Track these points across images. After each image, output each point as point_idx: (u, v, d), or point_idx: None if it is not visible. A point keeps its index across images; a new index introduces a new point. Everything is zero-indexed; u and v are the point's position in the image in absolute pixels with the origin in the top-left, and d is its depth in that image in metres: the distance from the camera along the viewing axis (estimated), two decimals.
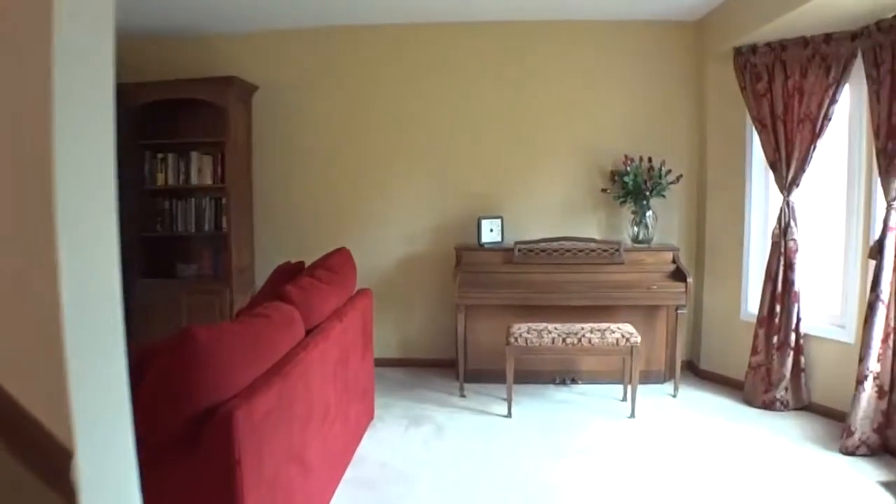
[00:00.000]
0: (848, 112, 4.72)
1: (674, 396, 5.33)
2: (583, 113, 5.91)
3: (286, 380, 2.88)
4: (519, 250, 5.57)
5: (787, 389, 4.96)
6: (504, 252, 5.66)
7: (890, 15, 4.03)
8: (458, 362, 5.48)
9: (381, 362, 5.77)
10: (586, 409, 5.11)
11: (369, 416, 4.76)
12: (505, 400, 5.04)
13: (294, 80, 6.09)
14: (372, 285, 5.58)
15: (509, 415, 4.94)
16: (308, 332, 3.51)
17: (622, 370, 5.29)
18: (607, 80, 5.88)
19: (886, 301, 4.15)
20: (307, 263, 4.34)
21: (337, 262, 4.27)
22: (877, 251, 4.20)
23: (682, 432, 4.66)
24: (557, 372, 5.52)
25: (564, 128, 5.92)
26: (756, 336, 5.10)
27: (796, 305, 4.92)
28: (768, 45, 4.91)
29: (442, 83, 5.98)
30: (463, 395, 5.39)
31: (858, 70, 4.47)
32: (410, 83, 6.01)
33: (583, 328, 4.96)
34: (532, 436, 4.61)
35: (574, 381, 5.53)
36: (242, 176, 6.00)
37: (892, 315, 4.16)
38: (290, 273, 4.19)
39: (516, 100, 5.94)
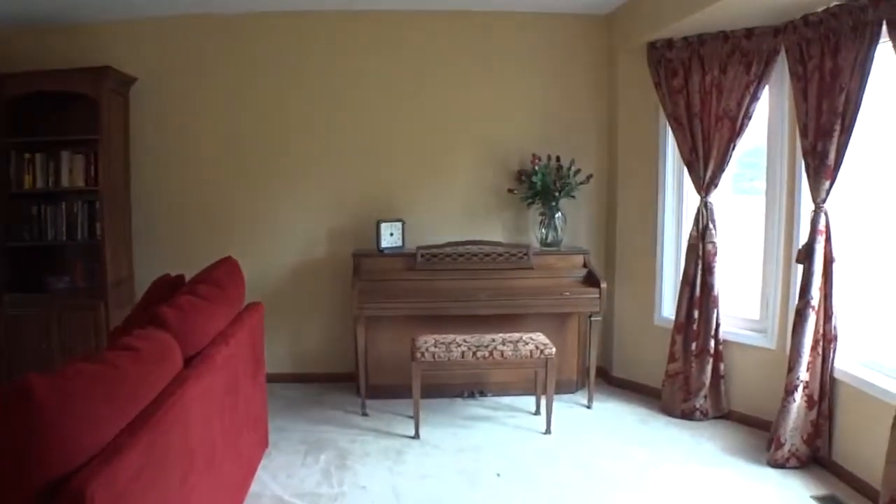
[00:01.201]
0: (768, 110, 4.45)
1: (588, 407, 4.99)
2: (488, 110, 5.46)
3: (158, 428, 2.28)
4: (422, 256, 5.08)
5: (706, 398, 4.68)
6: (406, 258, 5.15)
7: (819, 9, 3.76)
8: (359, 378, 4.93)
9: (274, 378, 5.18)
10: (499, 425, 4.69)
11: (263, 445, 4.17)
12: (411, 418, 4.53)
13: (177, 72, 5.37)
14: (264, 296, 4.88)
15: (417, 436, 4.45)
16: (188, 361, 2.90)
17: (533, 380, 4.89)
18: (514, 76, 5.45)
19: (816, 307, 3.90)
20: (193, 274, 3.69)
21: (222, 275, 3.64)
22: (805, 255, 3.95)
23: (602, 448, 4.31)
24: (466, 385, 5.07)
25: (469, 125, 5.47)
26: (673, 342, 4.81)
27: (715, 310, 4.64)
28: (685, 39, 4.59)
29: (338, 77, 5.40)
30: (365, 414, 4.85)
31: (780, 66, 4.21)
32: (304, 77, 5.40)
33: (494, 340, 4.54)
34: (443, 459, 4.14)
35: (483, 394, 5.09)
36: (118, 177, 5.24)
37: (821, 322, 3.92)
38: (168, 288, 3.53)
39: (418, 96, 5.43)
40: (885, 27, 3.29)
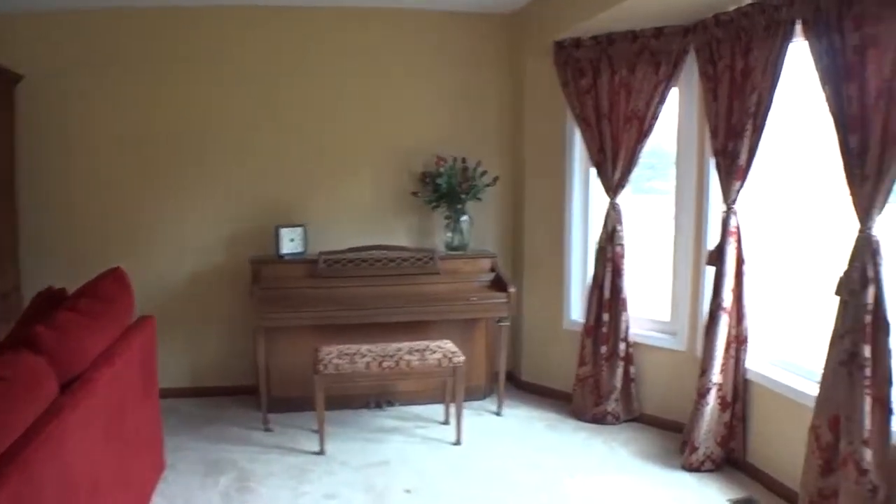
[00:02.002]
0: (677, 110, 4.39)
1: (498, 415, 4.81)
2: (392, 110, 5.20)
3: (28, 468, 1.94)
4: (324, 262, 4.77)
5: (617, 401, 4.59)
6: (307, 264, 4.83)
7: (731, 8, 3.71)
8: (260, 392, 4.58)
9: (171, 393, 4.80)
10: (407, 437, 4.45)
11: (159, 469, 3.79)
12: (316, 432, 4.23)
13: (67, 70, 4.83)
14: (158, 308, 4.49)
15: (322, 452, 4.15)
16: (66, 387, 2.52)
17: (442, 388, 4.68)
18: (418, 75, 5.21)
19: (728, 309, 3.85)
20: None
21: (107, 287, 3.23)
22: (716, 257, 3.89)
23: (514, 458, 4.15)
24: (373, 395, 4.79)
25: (372, 126, 5.19)
26: (583, 346, 4.70)
27: (624, 313, 4.56)
28: (594, 38, 4.47)
29: (236, 78, 5.01)
30: (268, 430, 4.51)
31: (690, 66, 4.15)
32: (200, 78, 4.98)
33: (400, 349, 4.30)
34: (350, 477, 3.87)
35: (391, 404, 4.83)
36: (2, 181, 4.68)
37: (733, 323, 3.87)
38: (49, 303, 3.11)
39: (320, 96, 5.11)
40: (799, 26, 3.24)
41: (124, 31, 4.88)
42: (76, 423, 2.36)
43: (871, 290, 2.93)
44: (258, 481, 3.80)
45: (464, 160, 5.09)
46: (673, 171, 4.50)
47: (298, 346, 4.68)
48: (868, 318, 2.94)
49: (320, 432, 4.17)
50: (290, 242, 4.89)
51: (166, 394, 4.65)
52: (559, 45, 4.67)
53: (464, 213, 5.10)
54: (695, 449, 3.89)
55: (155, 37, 4.90)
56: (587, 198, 4.94)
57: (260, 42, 5.02)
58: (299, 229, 4.95)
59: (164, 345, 4.57)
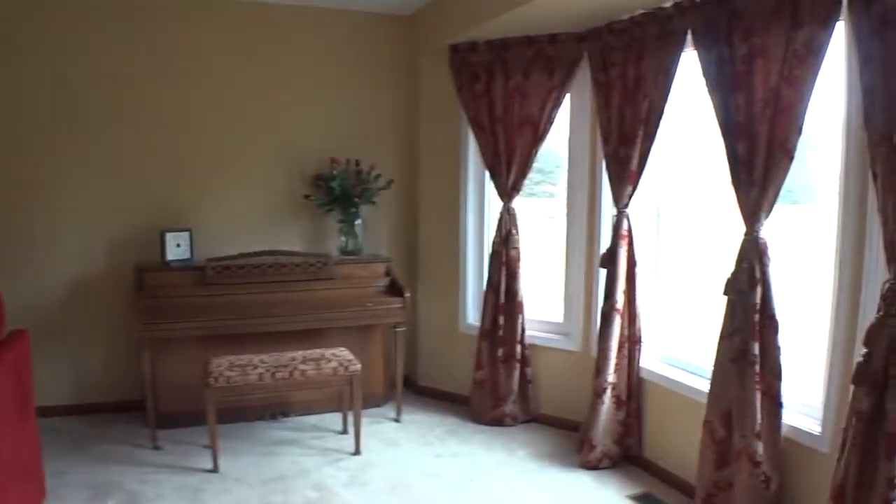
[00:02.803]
0: (569, 116, 4.46)
1: (397, 421, 4.74)
2: (285, 110, 5.02)
3: None
4: (213, 269, 4.55)
5: (515, 403, 4.63)
6: (195, 271, 4.58)
7: (624, 17, 3.80)
8: (147, 408, 4.30)
9: (51, 412, 4.52)
10: (305, 448, 4.30)
11: (39, 495, 3.47)
12: (209, 448, 4.01)
13: None
14: (34, 321, 4.21)
15: (216, 469, 3.94)
16: None
17: (339, 397, 4.56)
18: (311, 75, 5.06)
19: (621, 310, 3.94)
20: None
21: None
22: (608, 259, 3.98)
23: (415, 465, 4.09)
24: (267, 406, 4.60)
25: (264, 126, 4.98)
26: (479, 350, 4.71)
27: (520, 316, 4.60)
28: (489, 43, 4.49)
29: (119, 71, 4.67)
30: (157, 448, 4.25)
31: (583, 73, 4.23)
32: (80, 67, 4.60)
33: (294, 358, 4.16)
34: (247, 494, 3.68)
35: (287, 415, 4.67)
36: None
37: (626, 324, 3.97)
38: None
39: (207, 93, 4.85)
40: (690, 36, 3.35)
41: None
42: None
43: (758, 290, 3.07)
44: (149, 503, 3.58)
45: (357, 163, 4.99)
46: (563, 175, 4.57)
47: (187, 357, 4.45)
48: (756, 317, 3.07)
49: (213, 448, 3.96)
50: (177, 248, 4.64)
51: (46, 413, 4.40)
52: (454, 49, 4.66)
53: (358, 216, 5.00)
54: (593, 447, 3.96)
55: (35, 27, 4.50)
56: (483, 201, 4.96)
57: (148, 36, 4.71)
58: (186, 234, 4.70)
59: (43, 360, 4.32)
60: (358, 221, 5.01)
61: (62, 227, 4.69)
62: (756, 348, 3.06)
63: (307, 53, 5.05)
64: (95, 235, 4.76)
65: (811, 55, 2.74)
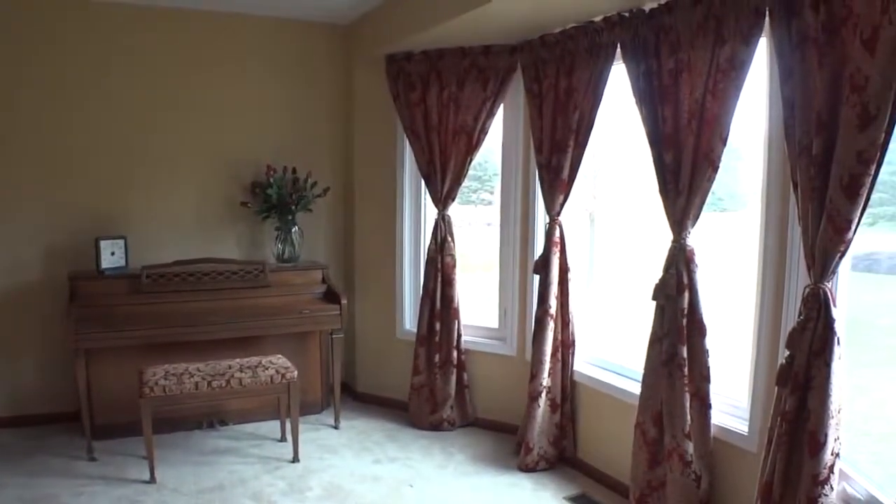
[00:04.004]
0: (502, 125, 4.47)
1: (336, 428, 4.66)
2: (221, 117, 4.88)
3: None
4: (147, 277, 4.39)
5: (452, 408, 4.60)
6: (130, 279, 4.42)
7: (556, 30, 3.82)
8: (83, 418, 4.13)
9: None
10: (243, 457, 4.19)
11: None
12: (145, 459, 3.87)
13: None
14: None
15: (153, 479, 3.81)
16: None
17: (276, 404, 4.45)
18: (249, 82, 4.94)
19: (554, 315, 3.96)
20: None
21: None
22: (542, 266, 4.00)
23: (354, 471, 4.03)
24: (204, 415, 4.46)
25: (200, 133, 4.85)
26: (417, 356, 4.67)
27: (456, 322, 4.58)
28: (424, 53, 4.46)
29: (49, 73, 4.47)
30: (93, 459, 4.08)
31: (517, 84, 4.24)
32: (7, 71, 4.40)
33: (230, 366, 4.05)
34: None
35: (224, 423, 4.54)
36: None
37: (559, 328, 3.99)
38: None
39: (141, 98, 4.68)
40: (619, 49, 3.39)
41: None
42: None
43: (686, 296, 3.11)
44: None
45: (294, 170, 4.90)
46: (498, 183, 4.58)
47: (123, 367, 4.28)
48: (684, 321, 3.12)
49: (149, 459, 3.83)
50: (111, 256, 4.47)
51: None
52: (391, 58, 4.62)
53: (294, 224, 4.91)
54: (529, 450, 3.97)
55: None
56: (419, 209, 4.93)
57: (82, 41, 4.53)
58: (120, 241, 4.53)
59: None
60: (294, 229, 4.92)
61: None
62: (684, 351, 3.10)
63: (244, 61, 4.93)
64: (28, 243, 4.55)
65: (734, 70, 2.80)
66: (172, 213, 4.86)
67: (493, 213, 4.65)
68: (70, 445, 4.29)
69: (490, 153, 4.58)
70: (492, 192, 5.17)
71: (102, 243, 4.43)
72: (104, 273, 4.42)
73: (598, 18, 3.51)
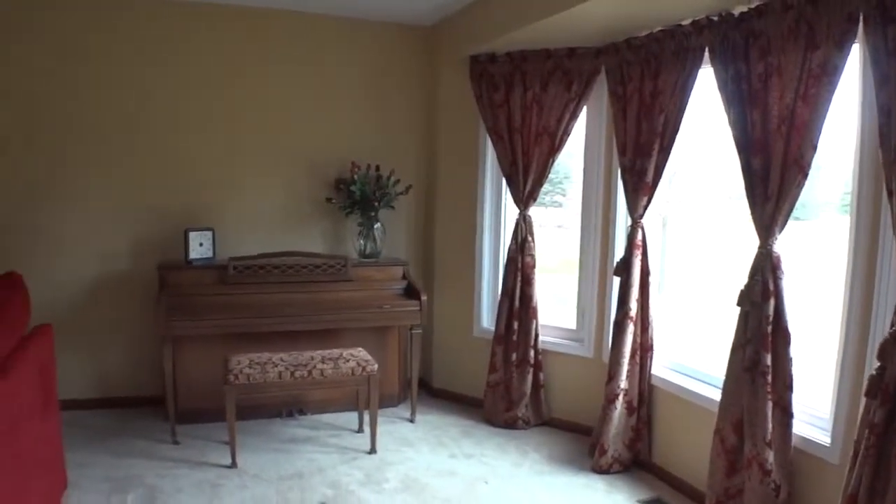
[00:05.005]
0: (585, 127, 4.50)
1: (412, 421, 4.77)
2: (308, 115, 5.06)
3: None
4: (234, 268, 4.59)
5: (527, 406, 4.65)
6: (217, 270, 4.63)
7: (642, 33, 3.83)
8: (168, 403, 4.35)
9: (73, 405, 4.58)
10: (321, 446, 4.33)
11: (61, 487, 3.50)
12: (227, 444, 4.05)
13: None
14: (57, 316, 4.27)
15: (234, 464, 3.97)
16: None
17: (355, 396, 4.60)
18: (335, 82, 5.11)
19: (634, 318, 3.97)
20: None
21: None
22: (622, 268, 4.01)
23: (429, 465, 4.12)
24: (284, 404, 4.65)
25: (287, 130, 5.03)
26: (494, 354, 4.73)
27: (534, 321, 4.62)
28: (508, 55, 4.53)
29: (143, 71, 4.72)
30: (177, 443, 4.28)
31: (600, 86, 4.26)
32: (102, 68, 4.64)
33: (313, 357, 4.19)
34: (264, 491, 3.70)
35: (303, 413, 4.71)
36: None
37: (638, 331, 3.99)
38: None
39: (233, 97, 4.90)
40: (707, 53, 3.38)
41: (15, 15, 4.48)
42: None
43: (771, 303, 3.08)
44: (167, 498, 3.58)
45: (378, 168, 5.03)
46: (572, 186, 4.60)
47: (207, 355, 4.49)
48: (769, 329, 3.09)
49: (231, 444, 3.99)
50: (200, 247, 4.69)
51: (70, 406, 4.45)
52: (474, 60, 4.70)
53: (377, 220, 5.04)
54: (604, 452, 3.99)
55: (59, 27, 4.54)
56: (499, 208, 4.99)
57: (173, 40, 4.77)
58: (209, 233, 4.74)
59: (68, 354, 4.39)
60: (377, 225, 5.05)
61: (88, 227, 4.74)
62: (768, 359, 3.08)
63: (330, 61, 5.09)
64: (121, 235, 4.81)
65: (826, 75, 2.76)
66: (259, 207, 5.05)
67: (565, 215, 4.67)
68: (154, 428, 4.51)
69: (564, 155, 4.58)
70: (564, 195, 5.19)
71: (191, 235, 4.65)
72: (192, 263, 4.63)
73: (685, 22, 3.51)
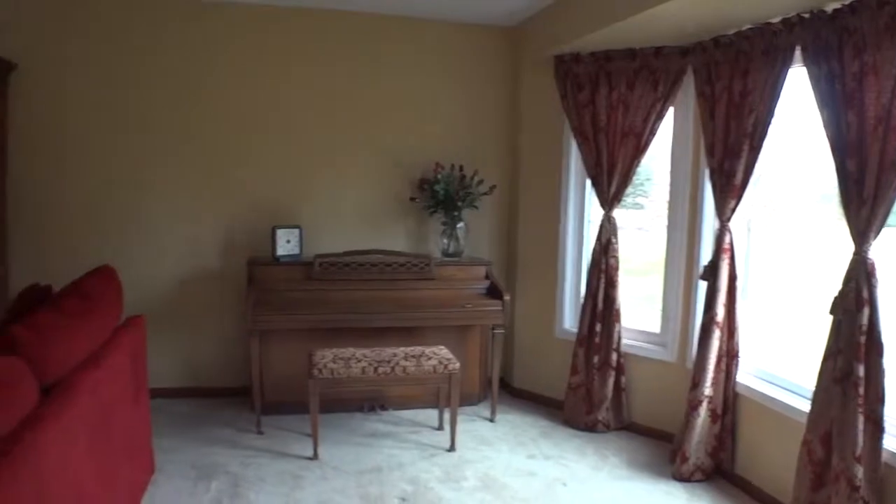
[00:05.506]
0: (672, 128, 4.42)
1: (492, 421, 4.79)
2: (392, 116, 5.17)
3: None
4: (320, 265, 4.73)
5: (608, 410, 4.61)
6: (303, 266, 4.77)
7: (731, 31, 3.73)
8: (253, 394, 4.52)
9: (162, 393, 4.80)
10: (401, 442, 4.41)
11: (148, 471, 3.69)
12: (309, 436, 4.19)
13: (63, 61, 4.69)
14: (150, 307, 4.55)
15: (315, 456, 4.09)
16: (47, 392, 2.38)
17: (435, 393, 4.65)
18: (420, 83, 5.20)
19: (720, 323, 3.87)
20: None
21: (94, 286, 3.09)
22: (710, 272, 3.92)
23: (508, 465, 4.13)
24: (366, 399, 4.76)
25: (372, 131, 5.16)
26: (576, 355, 4.71)
27: (617, 324, 4.57)
28: (593, 55, 4.49)
29: (235, 75, 4.94)
30: (260, 433, 4.45)
31: (687, 86, 4.18)
32: (200, 75, 4.90)
33: (395, 354, 4.27)
34: (344, 483, 3.80)
35: (384, 408, 4.81)
36: None
37: (725, 337, 3.90)
38: (33, 302, 2.92)
39: (319, 98, 5.07)
40: (798, 52, 3.27)
41: (122, 25, 4.77)
42: (58, 430, 2.20)
43: (865, 312, 2.96)
44: (250, 486, 3.72)
45: (461, 168, 5.09)
46: (654, 187, 4.52)
47: (292, 349, 4.64)
48: (862, 339, 2.97)
49: (314, 436, 4.10)
50: (287, 244, 4.83)
51: (159, 394, 4.66)
52: (559, 59, 4.68)
53: (460, 220, 5.09)
54: (685, 459, 3.91)
55: (154, 31, 4.81)
56: (583, 209, 4.96)
57: (262, 42, 4.97)
58: (296, 230, 4.89)
59: (158, 344, 4.57)
60: (460, 225, 5.10)
61: (182, 224, 4.99)
62: (860, 370, 2.96)
63: (414, 63, 5.18)
64: (211, 230, 5.03)
65: None
66: (345, 205, 5.19)
67: (646, 217, 4.60)
68: (240, 418, 4.69)
69: (646, 157, 4.51)
70: (645, 196, 5.11)
71: (279, 232, 4.80)
72: (279, 260, 4.79)
73: (775, 20, 3.40)
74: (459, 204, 5.01)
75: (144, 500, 3.49)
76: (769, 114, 3.52)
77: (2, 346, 2.29)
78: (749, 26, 3.61)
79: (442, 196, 4.98)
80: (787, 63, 3.39)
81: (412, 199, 5.15)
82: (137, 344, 3.49)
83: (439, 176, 5.00)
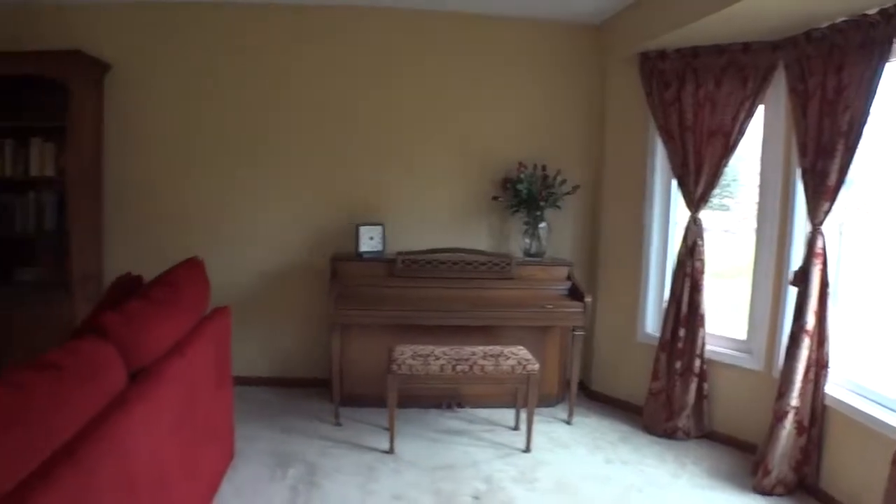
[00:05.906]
0: (763, 127, 4.25)
1: (569, 423, 4.74)
2: (475, 115, 5.19)
3: (84, 465, 1.87)
4: (402, 262, 4.80)
5: (689, 417, 4.48)
6: (385, 263, 4.86)
7: (824, 24, 3.56)
8: (333, 387, 4.63)
9: (246, 381, 4.98)
10: (476, 440, 4.41)
11: (228, 457, 3.84)
12: (386, 429, 4.24)
13: (157, 62, 4.99)
14: (237, 299, 4.70)
15: (391, 450, 4.15)
16: (135, 376, 2.50)
17: (512, 393, 4.62)
18: (503, 82, 5.19)
19: (810, 332, 3.69)
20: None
21: (182, 277, 3.23)
22: (801, 278, 3.74)
23: (584, 468, 4.06)
24: (443, 396, 4.77)
25: (455, 130, 5.19)
26: (657, 360, 4.59)
27: (701, 329, 4.43)
28: (678, 51, 4.38)
29: (323, 76, 5.09)
30: (339, 424, 4.55)
31: (777, 82, 4.02)
32: (287, 74, 5.08)
33: (474, 353, 4.26)
34: (418, 478, 3.84)
35: (461, 406, 4.82)
36: (89, 168, 4.85)
37: (814, 347, 3.71)
38: (125, 291, 3.09)
39: (403, 97, 5.15)
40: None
41: (207, 26, 4.99)
42: (142, 415, 2.31)
43: None
44: (326, 476, 3.81)
45: (544, 167, 5.05)
46: (741, 188, 4.36)
47: (372, 343, 4.72)
48: None
49: (391, 430, 4.17)
50: (370, 241, 4.93)
51: (243, 382, 4.84)
52: (644, 56, 4.59)
53: (542, 220, 5.06)
54: (768, 472, 3.76)
55: (237, 32, 5.01)
56: (668, 211, 4.84)
57: (344, 41, 5.08)
58: (378, 228, 4.98)
59: (244, 334, 4.78)
60: (542, 225, 5.07)
61: (269, 220, 5.19)
62: None
63: (497, 62, 5.19)
64: (297, 227, 5.21)
65: None
66: (427, 203, 5.25)
67: (733, 219, 4.43)
68: (319, 409, 4.81)
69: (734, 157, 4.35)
70: (732, 198, 4.92)
71: (362, 229, 4.91)
72: (362, 256, 4.89)
73: (872, 11, 3.22)
74: (542, 204, 4.97)
75: (223, 484, 3.63)
76: (865, 111, 3.34)
77: (92, 332, 2.43)
78: (843, 19, 3.44)
79: (525, 195, 4.96)
80: (884, 57, 3.21)
81: (495, 198, 5.15)
82: (222, 333, 3.62)
83: (522, 175, 4.98)
